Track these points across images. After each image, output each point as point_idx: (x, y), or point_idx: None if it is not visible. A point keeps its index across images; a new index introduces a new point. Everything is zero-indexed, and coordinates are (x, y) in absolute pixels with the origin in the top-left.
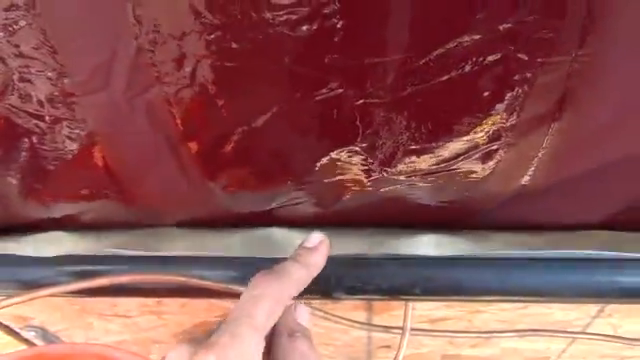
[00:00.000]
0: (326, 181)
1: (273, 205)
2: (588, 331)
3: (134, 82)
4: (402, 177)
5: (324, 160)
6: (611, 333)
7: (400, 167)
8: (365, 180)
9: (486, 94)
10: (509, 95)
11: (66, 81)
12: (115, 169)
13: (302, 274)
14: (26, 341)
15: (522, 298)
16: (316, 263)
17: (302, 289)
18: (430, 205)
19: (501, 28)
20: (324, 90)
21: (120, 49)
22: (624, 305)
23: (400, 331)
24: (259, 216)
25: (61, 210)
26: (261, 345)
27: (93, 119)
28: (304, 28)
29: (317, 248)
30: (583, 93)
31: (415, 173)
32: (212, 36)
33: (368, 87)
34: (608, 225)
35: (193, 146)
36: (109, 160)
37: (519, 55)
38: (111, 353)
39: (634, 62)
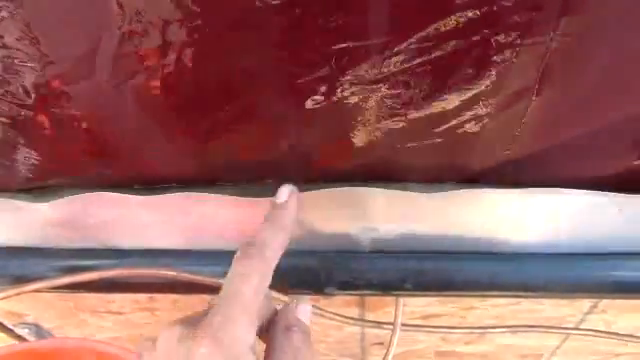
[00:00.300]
0: (315, 147)
1: (266, 172)
2: (582, 327)
3: (119, 70)
4: (388, 146)
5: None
6: (605, 329)
7: (385, 138)
8: (352, 148)
9: (466, 73)
10: (488, 74)
11: (51, 71)
12: (106, 150)
13: (280, 238)
14: (20, 338)
15: (514, 293)
16: (290, 221)
17: (283, 250)
18: (419, 167)
19: (480, 11)
20: (307, 73)
21: (104, 38)
22: (618, 301)
23: (390, 326)
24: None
25: (54, 182)
26: (254, 326)
27: (81, 106)
28: (286, 13)
29: (288, 204)
30: (561, 72)
31: (400, 143)
32: (194, 24)
33: (351, 69)
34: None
35: (184, 126)
36: (100, 143)
37: (498, 37)
38: (103, 348)
39: (611, 41)
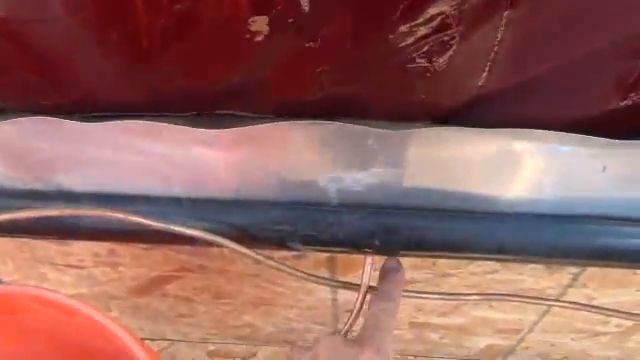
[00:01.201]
0: (269, 75)
1: (221, 102)
2: (562, 299)
3: None
4: (349, 76)
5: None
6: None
7: (342, 65)
8: (311, 74)
9: None
10: None
11: None
12: (41, 67)
13: (400, 288)
14: None
15: (489, 255)
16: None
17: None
18: (386, 102)
19: None
20: None
21: None
22: (599, 274)
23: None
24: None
25: None
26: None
27: (3, 3)
28: None
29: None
30: None
31: (363, 72)
32: None
33: None
34: (577, 129)
35: (113, 35)
36: (32, 56)
37: None
38: (48, 295)
39: None
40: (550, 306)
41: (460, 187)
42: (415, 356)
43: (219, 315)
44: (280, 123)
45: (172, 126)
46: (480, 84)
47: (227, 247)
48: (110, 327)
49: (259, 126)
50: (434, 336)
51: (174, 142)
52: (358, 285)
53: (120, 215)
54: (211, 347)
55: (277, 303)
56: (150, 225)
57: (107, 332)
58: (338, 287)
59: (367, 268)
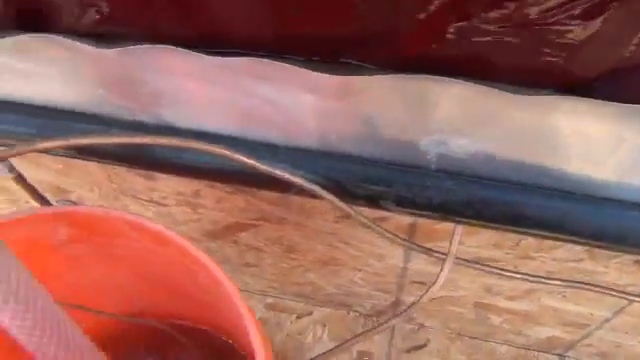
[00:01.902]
0: (397, 27)
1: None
2: None
3: None
4: (491, 27)
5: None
6: None
7: (490, 14)
8: (447, 28)
9: None
10: None
11: None
12: None
13: None
14: None
15: (584, 240)
16: None
17: None
18: (521, 64)
19: None
20: None
21: None
22: None
23: (443, 256)
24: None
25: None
26: None
27: None
28: None
29: None
30: None
31: (506, 23)
32: None
33: None
34: None
35: None
36: None
37: None
38: (147, 223)
39: None
40: (632, 301)
41: (564, 165)
42: (470, 337)
43: (284, 269)
44: (391, 76)
45: (283, 67)
46: (626, 54)
47: (324, 198)
48: (202, 259)
49: (369, 77)
50: (496, 319)
51: (282, 85)
52: (442, 253)
53: (226, 152)
54: (269, 300)
55: (346, 264)
56: (252, 166)
57: (197, 265)
58: (424, 253)
59: (456, 238)
